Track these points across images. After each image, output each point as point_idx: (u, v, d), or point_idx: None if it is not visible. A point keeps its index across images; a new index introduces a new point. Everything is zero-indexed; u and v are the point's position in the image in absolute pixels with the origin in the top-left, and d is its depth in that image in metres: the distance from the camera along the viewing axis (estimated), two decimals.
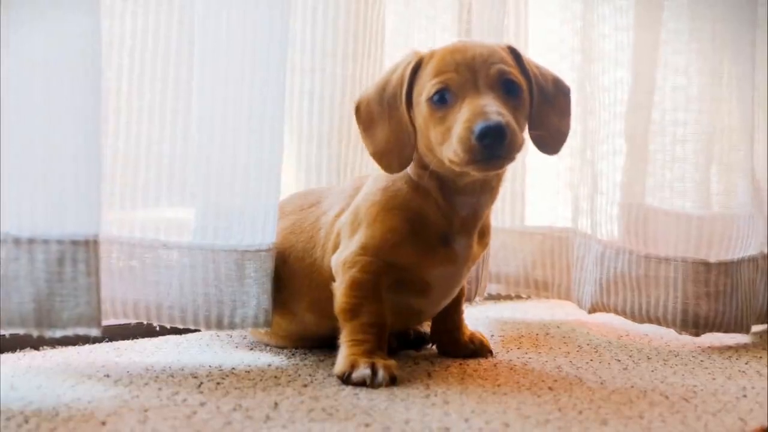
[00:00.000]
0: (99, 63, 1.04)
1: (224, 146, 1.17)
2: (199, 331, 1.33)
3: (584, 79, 1.55)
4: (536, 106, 1.13)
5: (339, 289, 1.14)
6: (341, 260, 1.14)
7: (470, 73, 1.07)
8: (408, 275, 1.14)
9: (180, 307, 1.17)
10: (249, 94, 1.16)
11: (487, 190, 1.15)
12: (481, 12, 1.50)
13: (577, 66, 1.58)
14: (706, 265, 1.42)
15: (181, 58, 1.19)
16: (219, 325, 1.18)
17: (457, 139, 1.03)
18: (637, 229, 1.48)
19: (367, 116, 1.14)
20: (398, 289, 1.15)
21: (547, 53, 1.65)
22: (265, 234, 1.18)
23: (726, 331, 1.43)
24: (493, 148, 1.01)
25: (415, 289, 1.16)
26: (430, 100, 1.08)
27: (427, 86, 1.08)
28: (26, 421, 0.89)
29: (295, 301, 1.21)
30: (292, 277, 1.21)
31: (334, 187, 1.32)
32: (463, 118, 1.03)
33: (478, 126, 1.01)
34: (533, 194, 1.69)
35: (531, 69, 1.14)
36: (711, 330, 1.43)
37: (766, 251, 1.52)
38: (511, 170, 1.62)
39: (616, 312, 1.48)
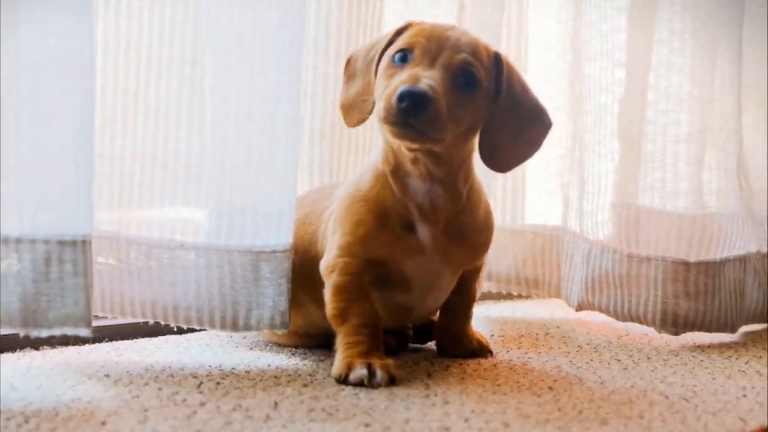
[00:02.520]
0: (92, 63, 1.04)
1: (238, 145, 1.17)
2: (203, 330, 1.33)
3: (575, 79, 1.55)
4: (498, 116, 1.12)
5: (327, 295, 1.14)
6: (324, 265, 1.15)
7: (437, 47, 1.08)
8: (387, 270, 1.14)
9: (197, 307, 1.17)
10: (262, 92, 1.16)
11: (436, 180, 1.13)
12: (481, 11, 1.50)
13: (571, 65, 1.58)
14: (686, 264, 1.43)
15: (196, 56, 1.20)
16: (234, 327, 1.18)
17: (385, 95, 1.05)
18: (620, 228, 1.48)
19: (351, 70, 1.18)
20: (382, 286, 1.15)
21: (544, 52, 1.65)
22: (280, 234, 1.18)
23: (708, 331, 1.44)
24: (407, 113, 1.02)
25: (397, 284, 1.16)
26: (391, 57, 1.10)
27: (395, 45, 1.11)
28: (26, 421, 0.89)
29: (302, 292, 1.21)
30: (299, 267, 1.21)
31: (344, 182, 1.32)
32: (399, 78, 1.05)
33: (402, 88, 1.02)
34: (527, 193, 1.69)
35: (512, 83, 1.13)
36: (691, 329, 1.43)
37: (764, 251, 1.52)
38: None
39: (600, 310, 1.49)
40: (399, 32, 1.14)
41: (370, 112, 1.13)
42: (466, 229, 1.17)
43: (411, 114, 1.02)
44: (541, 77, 1.64)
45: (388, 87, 1.06)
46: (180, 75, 1.20)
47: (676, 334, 1.44)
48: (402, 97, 1.02)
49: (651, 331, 1.50)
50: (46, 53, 1.01)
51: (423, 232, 1.14)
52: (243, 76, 1.16)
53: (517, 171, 1.64)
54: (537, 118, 1.16)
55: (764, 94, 1.62)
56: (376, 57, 1.14)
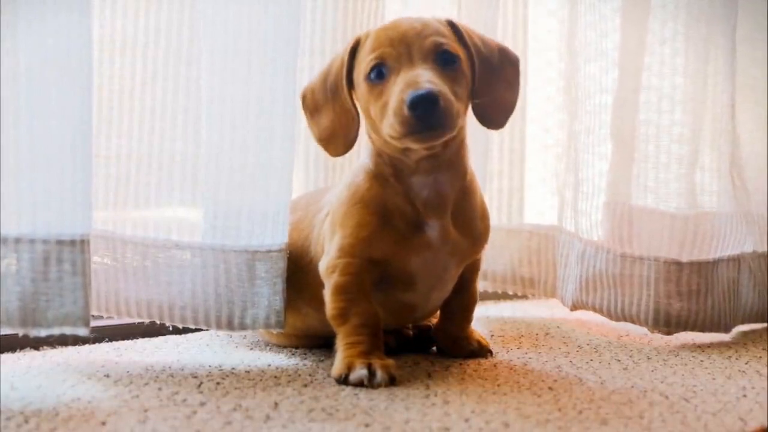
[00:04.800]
0: (90, 62, 1.04)
1: (234, 145, 1.17)
2: (200, 330, 1.33)
3: (570, 80, 1.55)
4: (479, 76, 1.13)
5: (326, 295, 1.14)
6: (324, 266, 1.15)
7: (404, 46, 1.08)
8: (390, 269, 1.14)
9: (192, 307, 1.18)
10: (258, 92, 1.17)
11: (444, 167, 1.14)
12: (477, 11, 1.50)
13: (568, 65, 1.58)
14: (678, 264, 1.42)
15: (191, 56, 1.20)
16: (230, 326, 1.18)
17: (392, 111, 1.04)
18: (613, 228, 1.48)
19: (312, 104, 1.16)
20: (385, 286, 1.15)
21: (544, 52, 1.64)
22: (275, 234, 1.18)
23: (701, 331, 1.44)
24: (425, 117, 1.02)
25: (401, 282, 1.16)
26: (367, 77, 1.09)
27: (363, 64, 1.10)
28: (26, 421, 0.89)
29: (298, 297, 1.21)
30: (295, 273, 1.21)
31: (334, 186, 1.32)
32: (397, 90, 1.04)
33: (409, 95, 1.02)
34: (526, 192, 1.69)
35: (472, 40, 1.14)
36: (684, 329, 1.43)
37: (760, 251, 1.52)
38: (497, 168, 1.63)
39: (594, 310, 1.49)
40: (353, 50, 1.13)
41: (355, 138, 1.13)
42: (468, 216, 1.17)
43: (428, 116, 1.02)
44: (542, 78, 1.65)
45: (388, 104, 1.05)
46: (176, 75, 1.20)
47: (669, 333, 1.44)
48: (414, 105, 1.01)
49: None
50: (45, 53, 1.01)
51: (431, 226, 1.14)
52: (239, 76, 1.16)
53: (514, 171, 1.65)
54: (506, 59, 1.18)
55: (760, 92, 1.62)
56: (342, 82, 1.13)
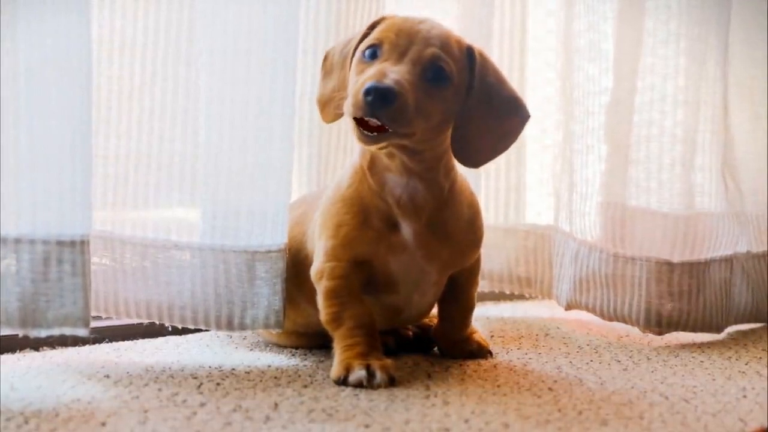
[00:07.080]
0: (89, 62, 1.04)
1: (233, 145, 1.17)
2: (200, 331, 1.33)
3: (566, 81, 1.55)
4: (471, 110, 1.11)
5: (319, 301, 1.14)
6: (314, 271, 1.15)
7: (406, 42, 1.08)
8: (373, 270, 1.14)
9: (192, 307, 1.18)
10: (257, 93, 1.17)
11: (415, 174, 1.12)
12: (472, 8, 1.50)
13: (564, 65, 1.58)
14: (670, 264, 1.43)
15: (190, 57, 1.20)
16: (230, 326, 1.19)
17: (353, 91, 1.05)
18: (606, 228, 1.49)
19: (329, 65, 1.18)
20: (369, 288, 1.15)
21: (543, 52, 1.64)
22: (275, 234, 1.19)
23: (693, 331, 1.44)
24: (373, 108, 1.02)
25: (384, 284, 1.15)
26: (362, 52, 1.10)
27: (367, 40, 1.10)
28: (26, 422, 0.89)
29: (297, 291, 1.22)
30: (295, 268, 1.21)
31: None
32: (368, 74, 1.05)
33: (368, 83, 1.02)
34: (527, 193, 1.68)
35: (485, 76, 1.12)
36: (675, 329, 1.44)
37: (754, 251, 1.53)
38: (494, 167, 1.63)
39: (587, 309, 1.49)
40: (373, 26, 1.13)
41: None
42: (449, 227, 1.16)
43: (377, 108, 1.02)
44: (541, 78, 1.65)
45: (356, 83, 1.06)
46: (175, 75, 1.20)
47: (660, 334, 1.45)
48: (368, 92, 1.02)
49: None
50: (44, 53, 1.01)
51: (405, 228, 1.13)
52: (238, 76, 1.16)
53: (511, 171, 1.64)
54: (513, 110, 1.15)
55: (759, 93, 1.62)
56: (351, 52, 1.13)
